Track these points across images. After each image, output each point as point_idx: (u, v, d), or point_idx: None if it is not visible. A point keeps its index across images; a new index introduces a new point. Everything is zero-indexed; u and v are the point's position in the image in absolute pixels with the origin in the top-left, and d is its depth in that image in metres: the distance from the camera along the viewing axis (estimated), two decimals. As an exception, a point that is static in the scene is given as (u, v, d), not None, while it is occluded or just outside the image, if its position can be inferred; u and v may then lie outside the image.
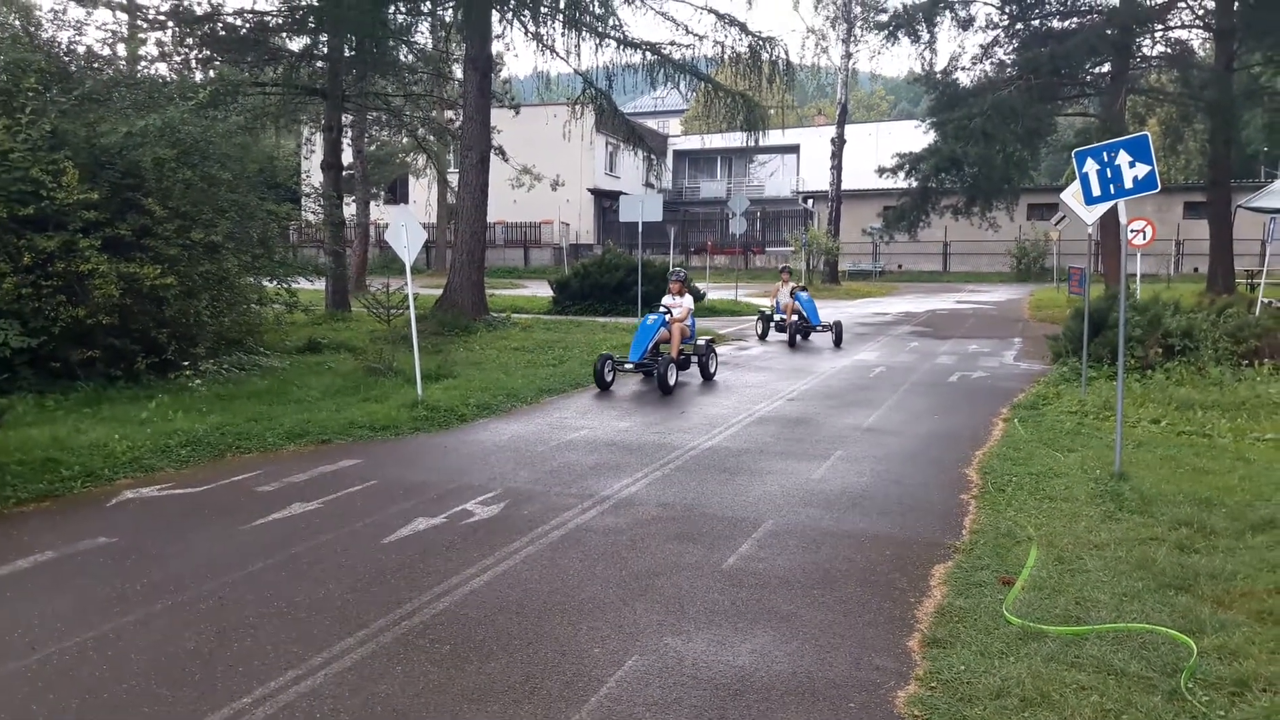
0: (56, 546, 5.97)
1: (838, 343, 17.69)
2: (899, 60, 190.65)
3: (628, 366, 13.03)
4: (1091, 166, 7.41)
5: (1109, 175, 7.32)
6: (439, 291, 21.66)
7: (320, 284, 21.74)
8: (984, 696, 3.99)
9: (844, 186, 38.70)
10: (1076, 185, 8.62)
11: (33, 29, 13.23)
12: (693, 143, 57.52)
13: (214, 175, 12.51)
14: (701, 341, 14.10)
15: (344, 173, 23.58)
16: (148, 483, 7.54)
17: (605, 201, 51.28)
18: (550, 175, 38.65)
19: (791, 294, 18.54)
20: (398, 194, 47.77)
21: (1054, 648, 4.43)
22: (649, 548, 6.05)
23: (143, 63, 18.51)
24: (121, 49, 18.28)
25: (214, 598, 5.15)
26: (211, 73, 19.21)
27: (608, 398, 12.04)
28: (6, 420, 7.60)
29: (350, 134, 26.20)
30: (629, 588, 5.34)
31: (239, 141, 13.94)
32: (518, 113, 26.43)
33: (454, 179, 29.94)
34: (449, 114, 28.37)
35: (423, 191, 44.83)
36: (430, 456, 8.73)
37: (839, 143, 37.42)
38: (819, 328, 18.19)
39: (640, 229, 19.19)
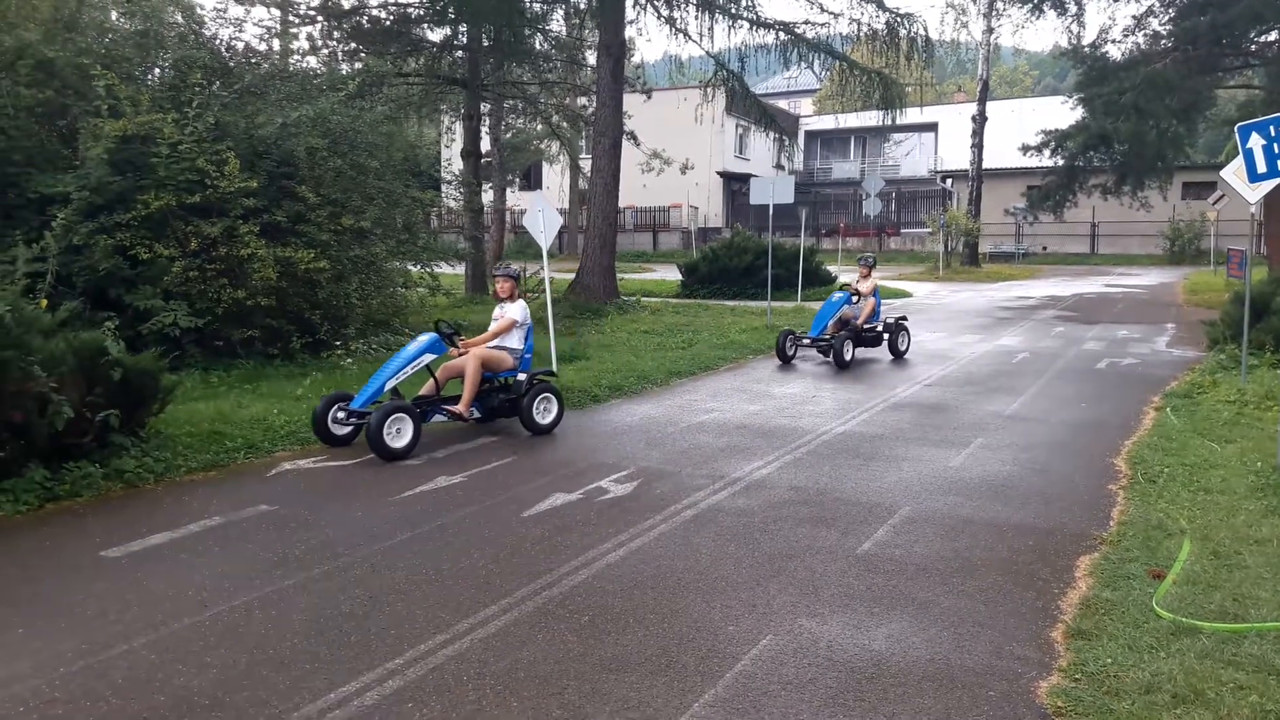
0: (223, 513, 6.40)
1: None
2: (1044, 34, 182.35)
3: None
4: (1256, 142, 6.99)
5: (1276, 151, 6.87)
6: (571, 276, 22.04)
7: (460, 268, 22.46)
8: (1132, 691, 3.85)
9: (985, 165, 37.39)
10: (1239, 162, 8.11)
11: (197, 27, 14.07)
12: (825, 123, 56.53)
13: (362, 163, 13.08)
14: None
15: (482, 160, 24.24)
16: (303, 455, 7.98)
17: (734, 184, 51.03)
18: (679, 159, 38.71)
19: (857, 298, 13.97)
20: (532, 180, 48.75)
21: (1209, 644, 4.24)
22: (781, 530, 6.06)
23: (295, 56, 19.45)
24: (276, 44, 19.26)
25: (366, 564, 5.43)
26: (358, 64, 20.02)
27: (738, 380, 12.03)
28: (176, 396, 8.16)
29: (488, 122, 26.88)
30: (762, 569, 5.36)
31: (385, 131, 14.51)
32: (649, 97, 26.54)
33: (586, 164, 30.36)
34: (581, 100, 28.73)
35: (556, 177, 45.61)
36: (566, 435, 8.94)
37: (980, 120, 36.15)
38: (869, 330, 13.91)
39: (771, 211, 19.03)
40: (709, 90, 22.64)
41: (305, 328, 12.03)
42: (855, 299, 13.81)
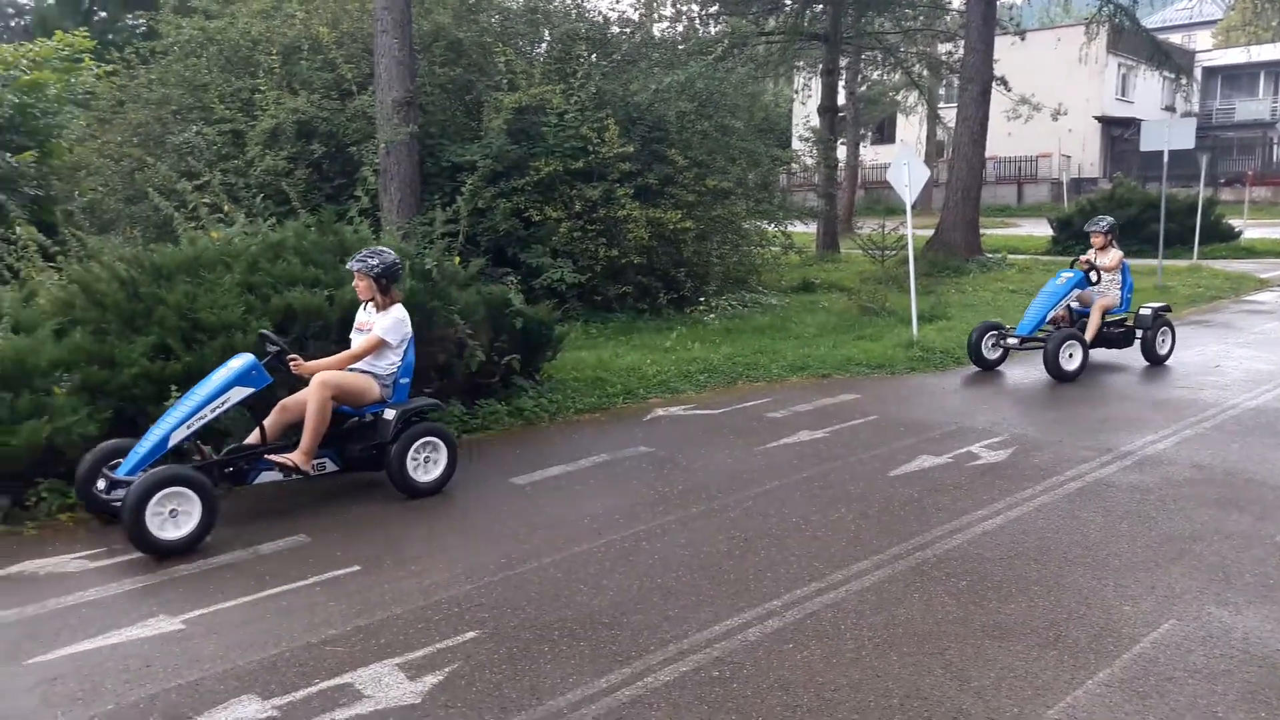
0: (609, 450, 6.95)
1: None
2: None
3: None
4: None
5: None
6: (927, 232, 21.25)
7: (810, 226, 22.43)
8: None
9: None
10: None
11: (579, 1, 15.08)
12: (1231, 57, 49.41)
13: (726, 125, 13.43)
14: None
15: (837, 115, 23.94)
16: (674, 403, 8.45)
17: (1115, 129, 46.21)
18: (1050, 104, 35.73)
19: (1096, 278, 9.93)
20: (885, 134, 47.33)
21: None
22: (1182, 510, 5.52)
23: (663, 23, 20.28)
24: (644, 13, 20.19)
25: (738, 508, 5.67)
26: (715, 27, 20.48)
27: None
28: (565, 345, 8.94)
29: (844, 76, 26.47)
30: (1160, 550, 4.93)
31: (748, 91, 14.77)
32: (1023, 39, 24.72)
33: (945, 115, 28.93)
34: (945, 47, 27.37)
35: (910, 130, 43.92)
36: (929, 396, 8.71)
37: None
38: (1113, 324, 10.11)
39: (1165, 159, 17.07)
40: (1092, 27, 20.66)
41: (671, 285, 12.65)
42: (1094, 280, 9.86)
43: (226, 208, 8.74)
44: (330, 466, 5.92)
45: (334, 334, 6.75)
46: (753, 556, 4.93)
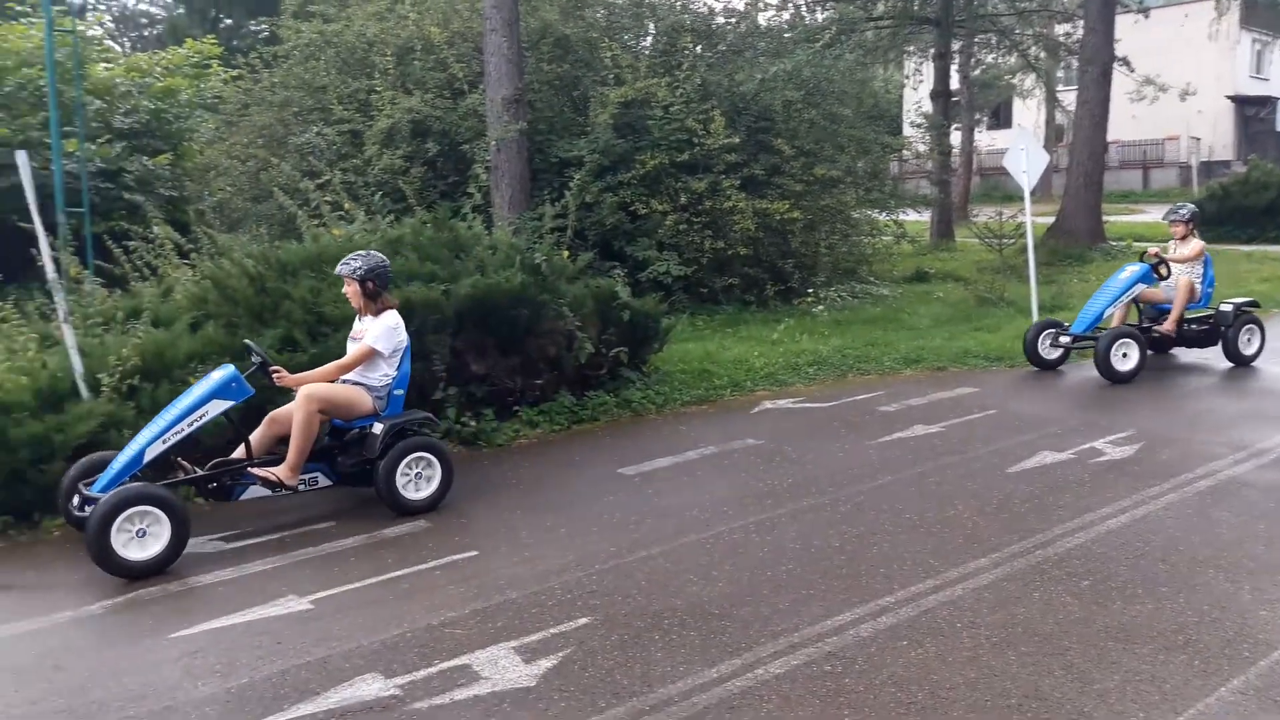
0: (716, 443, 6.95)
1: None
2: None
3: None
4: None
5: None
6: (1047, 220, 20.51)
7: (923, 215, 21.91)
8: None
9: None
10: None
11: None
12: (1381, 27, 46.12)
13: (835, 113, 13.24)
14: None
15: (950, 100, 23.31)
16: (782, 395, 8.39)
17: (1249, 109, 43.71)
18: (1177, 84, 34.03)
19: (1166, 271, 9.14)
20: (1001, 118, 45.85)
21: None
22: (1327, 511, 5.22)
23: (768, 12, 20.09)
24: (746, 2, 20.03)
25: (850, 503, 5.61)
26: (823, 14, 20.17)
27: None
28: (671, 337, 8.98)
29: (957, 60, 25.74)
30: (1302, 552, 4.68)
31: (857, 78, 14.53)
32: (1146, 16, 23.63)
33: (1065, 98, 27.87)
34: (1064, 28, 26.34)
35: (1027, 114, 42.43)
36: (1049, 390, 8.44)
37: None
38: (1194, 322, 9.23)
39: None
40: (1222, 1, 19.58)
41: (778, 276, 12.55)
42: (1162, 273, 9.02)
43: (347, 205, 9.06)
44: (323, 481, 5.67)
45: (450, 326, 6.94)
46: (865, 552, 4.87)
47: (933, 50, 22.72)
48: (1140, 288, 8.91)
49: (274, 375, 5.47)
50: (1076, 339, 8.86)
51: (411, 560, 4.92)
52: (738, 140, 11.88)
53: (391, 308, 5.80)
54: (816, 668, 3.72)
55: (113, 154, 13.53)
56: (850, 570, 4.65)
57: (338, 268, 5.84)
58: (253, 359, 5.53)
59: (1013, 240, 14.49)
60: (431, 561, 4.89)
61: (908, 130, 21.75)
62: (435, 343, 6.87)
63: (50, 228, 7.15)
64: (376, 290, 5.71)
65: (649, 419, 7.78)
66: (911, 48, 25.67)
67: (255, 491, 5.43)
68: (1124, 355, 8.37)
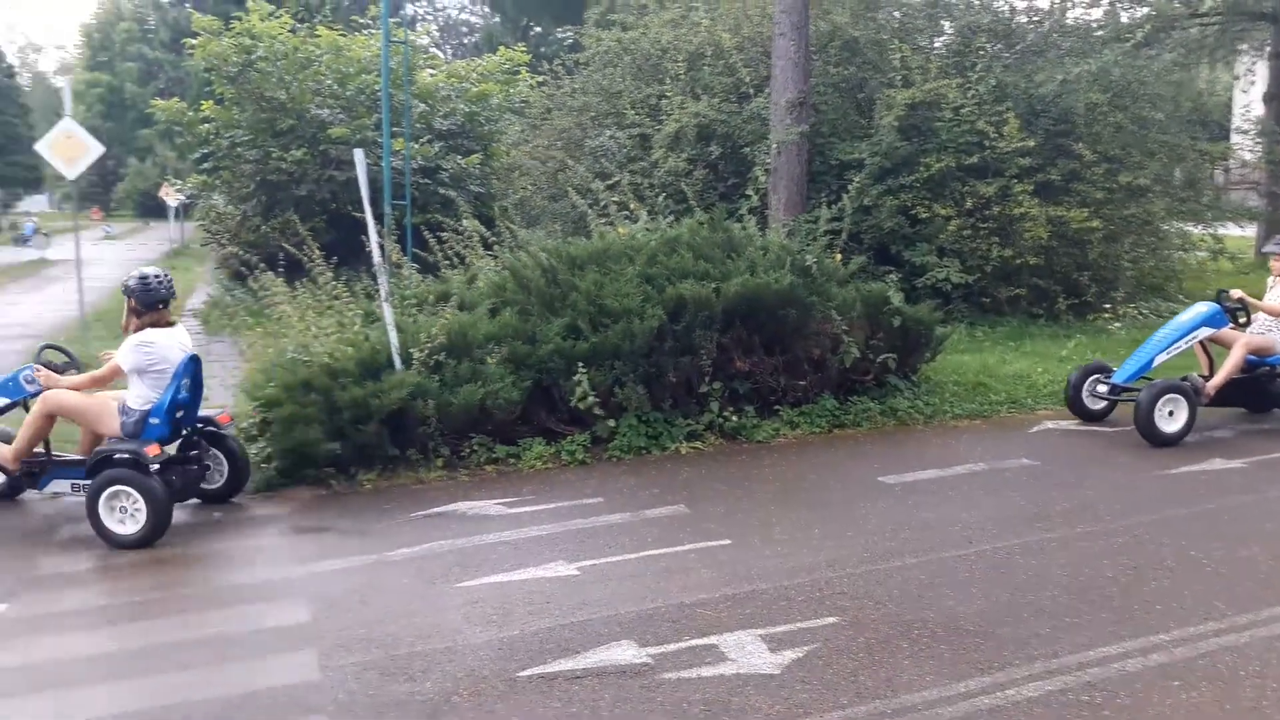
0: (986, 460, 6.70)
1: None
2: None
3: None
4: None
5: None
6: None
7: (1248, 230, 19.68)
8: None
9: None
10: None
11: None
12: None
13: (1145, 116, 12.25)
14: None
15: (1287, 103, 20.74)
16: (1065, 415, 7.87)
17: None
18: None
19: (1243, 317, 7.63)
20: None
21: None
22: None
23: (1076, 9, 18.81)
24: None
25: (1128, 534, 5.25)
26: (1140, 10, 18.57)
27: None
28: (945, 347, 8.71)
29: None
30: None
31: (1173, 79, 13.34)
32: None
33: None
34: None
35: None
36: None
37: None
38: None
39: None
40: None
41: (1071, 289, 11.80)
42: (1239, 318, 7.51)
43: (632, 206, 9.55)
44: (62, 489, 5.68)
45: (718, 323, 7.17)
46: (1140, 586, 4.56)
47: (1268, 48, 20.32)
48: (1208, 331, 7.41)
49: (38, 374, 5.66)
50: (1115, 389, 7.46)
51: (669, 541, 5.17)
52: (1033, 144, 11.29)
53: (146, 327, 5.52)
54: (1073, 696, 3.56)
55: (432, 153, 15.00)
56: (1122, 603, 4.37)
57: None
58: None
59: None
60: (688, 545, 5.12)
61: (1235, 137, 19.57)
62: (703, 338, 7.13)
63: (378, 218, 8.09)
64: (137, 309, 5.55)
65: (915, 429, 7.62)
66: (1244, 45, 23.07)
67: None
68: (1170, 414, 6.95)
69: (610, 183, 10.73)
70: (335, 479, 6.33)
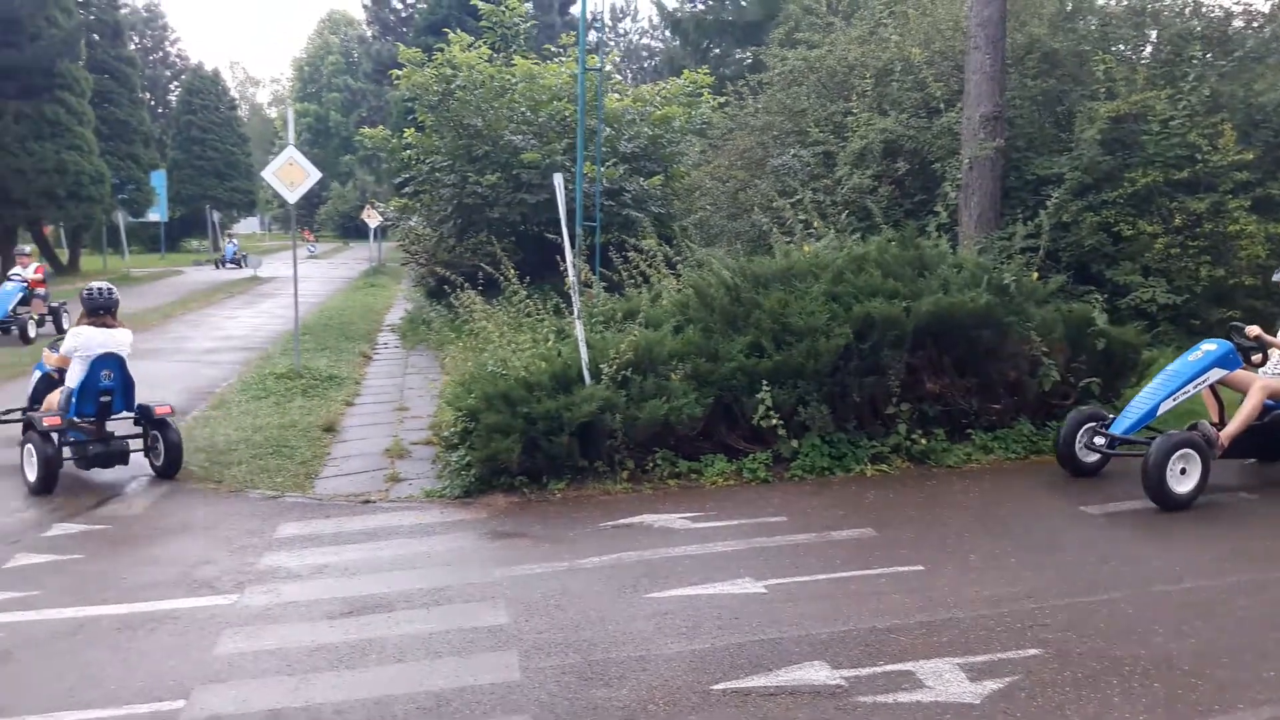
0: (1204, 491, 6.19)
1: None
2: None
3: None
4: None
5: None
6: None
7: None
8: None
9: None
10: None
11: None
12: None
13: (1390, 124, 11.15)
14: None
15: None
16: None
17: None
18: None
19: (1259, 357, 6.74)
20: None
21: None
22: None
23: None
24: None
25: (1370, 580, 4.80)
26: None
27: None
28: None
29: None
30: None
31: None
32: None
33: None
34: None
35: None
36: None
37: None
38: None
39: None
40: None
41: (1294, 311, 10.87)
42: (1257, 359, 6.64)
43: (816, 223, 9.50)
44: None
45: (907, 343, 7.03)
46: (1385, 636, 4.17)
47: None
48: (1219, 373, 6.45)
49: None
50: (1114, 441, 6.48)
51: (858, 564, 5.11)
52: (1251, 157, 10.49)
53: (88, 326, 7.01)
54: (1309, 750, 3.30)
55: (617, 175, 15.39)
56: (1363, 653, 4.01)
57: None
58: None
59: None
60: (878, 569, 5.04)
61: None
62: (891, 358, 7.00)
63: (570, 239, 8.40)
64: (84, 312, 7.10)
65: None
66: None
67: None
68: (1182, 471, 5.99)
69: (793, 200, 10.71)
70: (528, 487, 6.60)
